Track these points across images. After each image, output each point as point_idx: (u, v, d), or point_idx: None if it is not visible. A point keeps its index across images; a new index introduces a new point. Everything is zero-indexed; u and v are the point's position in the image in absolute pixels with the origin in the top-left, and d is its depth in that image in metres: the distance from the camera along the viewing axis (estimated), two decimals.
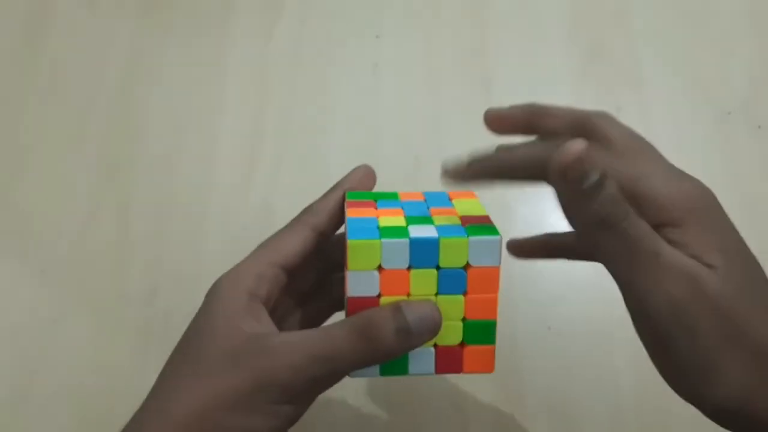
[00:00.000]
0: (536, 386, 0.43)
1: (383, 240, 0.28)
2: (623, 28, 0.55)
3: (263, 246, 0.31)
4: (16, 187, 0.50)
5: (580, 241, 0.31)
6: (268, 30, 0.56)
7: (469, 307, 0.29)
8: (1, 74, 0.54)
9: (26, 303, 0.46)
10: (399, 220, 0.30)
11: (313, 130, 0.52)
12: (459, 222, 0.30)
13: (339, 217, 0.32)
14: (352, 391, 0.43)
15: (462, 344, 0.30)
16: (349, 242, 0.28)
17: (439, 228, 0.29)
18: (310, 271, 0.33)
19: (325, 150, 0.51)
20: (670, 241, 0.27)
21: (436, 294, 0.29)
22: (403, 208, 0.31)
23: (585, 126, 0.29)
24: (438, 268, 0.28)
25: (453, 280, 0.29)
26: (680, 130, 0.51)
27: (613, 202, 0.26)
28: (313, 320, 0.34)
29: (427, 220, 0.30)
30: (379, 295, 0.28)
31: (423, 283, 0.28)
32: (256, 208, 0.49)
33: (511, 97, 0.53)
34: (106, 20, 0.56)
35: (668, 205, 0.27)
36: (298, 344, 0.27)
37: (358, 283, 0.28)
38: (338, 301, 0.35)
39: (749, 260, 0.28)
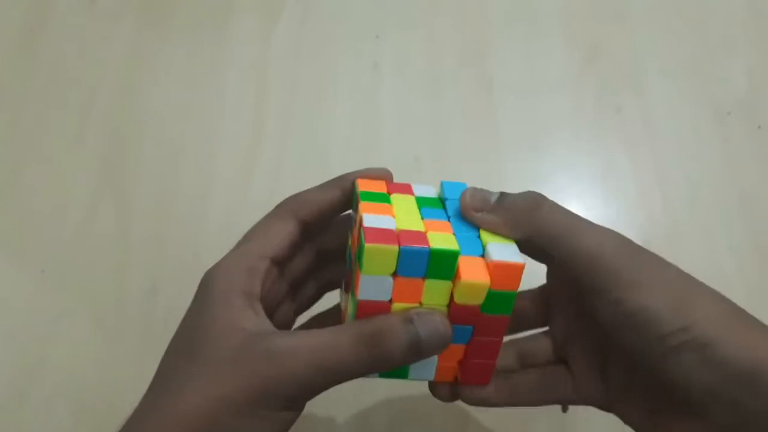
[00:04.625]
0: None
1: (402, 247, 0.26)
2: (623, 28, 0.55)
3: (251, 237, 0.31)
4: (16, 187, 0.50)
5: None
6: (268, 30, 0.56)
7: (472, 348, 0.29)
8: (1, 74, 0.54)
9: (26, 303, 0.46)
10: (417, 222, 0.28)
11: (313, 130, 0.52)
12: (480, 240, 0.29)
13: (329, 214, 0.31)
14: (352, 390, 0.43)
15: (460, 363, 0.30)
16: (366, 246, 0.26)
17: (460, 240, 0.28)
18: (298, 258, 0.33)
19: (325, 150, 0.51)
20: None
21: (448, 305, 0.28)
22: (421, 211, 0.30)
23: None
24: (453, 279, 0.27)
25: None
26: (680, 130, 0.51)
27: (517, 205, 0.29)
28: (306, 305, 0.34)
29: (446, 226, 0.29)
30: (390, 301, 0.27)
31: (436, 293, 0.27)
32: (256, 208, 0.48)
33: (511, 96, 0.53)
34: (106, 20, 0.56)
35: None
36: (303, 353, 0.26)
37: (370, 287, 0.27)
38: (330, 284, 0.35)
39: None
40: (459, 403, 0.42)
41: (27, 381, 0.43)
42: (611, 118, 0.52)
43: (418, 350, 0.27)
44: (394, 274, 0.27)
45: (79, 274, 0.47)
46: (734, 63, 0.54)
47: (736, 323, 0.26)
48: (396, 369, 0.29)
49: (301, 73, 0.54)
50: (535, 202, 0.29)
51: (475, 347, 0.29)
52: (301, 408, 0.28)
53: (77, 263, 0.47)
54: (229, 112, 0.53)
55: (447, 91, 0.53)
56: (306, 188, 0.33)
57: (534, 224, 0.28)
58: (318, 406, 0.42)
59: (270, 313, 0.30)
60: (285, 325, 0.34)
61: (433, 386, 0.32)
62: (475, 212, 0.29)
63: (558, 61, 0.54)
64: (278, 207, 0.32)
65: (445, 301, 0.28)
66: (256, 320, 0.28)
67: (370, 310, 0.27)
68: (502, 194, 0.29)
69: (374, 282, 0.27)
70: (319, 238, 0.33)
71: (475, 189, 0.30)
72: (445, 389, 0.32)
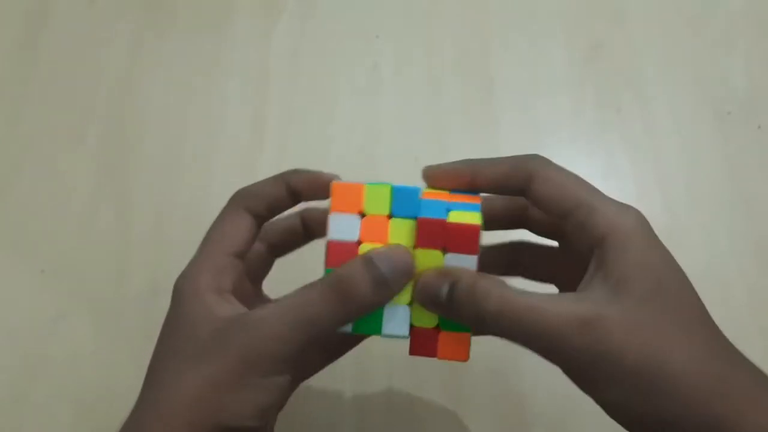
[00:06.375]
0: (536, 386, 0.43)
1: (366, 184, 0.29)
2: (623, 28, 0.55)
3: (212, 237, 0.31)
4: (16, 187, 0.50)
5: None
6: (268, 30, 0.56)
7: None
8: (1, 74, 0.54)
9: (26, 303, 0.46)
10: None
11: (312, 130, 0.52)
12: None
13: (278, 209, 0.32)
14: (352, 389, 0.43)
15: (437, 328, 0.29)
16: (333, 184, 0.29)
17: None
18: (262, 254, 0.34)
19: (324, 151, 0.51)
20: (599, 259, 0.27)
21: (414, 247, 0.29)
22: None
23: (523, 170, 0.29)
24: (416, 219, 0.29)
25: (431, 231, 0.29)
26: (680, 130, 0.51)
27: (468, 300, 0.27)
28: None
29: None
30: (358, 242, 0.29)
31: (401, 233, 0.29)
32: None
33: (511, 96, 0.53)
34: (106, 20, 0.56)
35: (600, 227, 0.28)
36: (277, 314, 0.27)
37: (339, 226, 0.29)
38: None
39: (670, 280, 0.28)
40: (458, 404, 0.43)
41: (27, 381, 0.43)
42: (611, 118, 0.52)
43: (385, 286, 0.28)
44: (361, 214, 0.29)
45: (79, 274, 0.47)
46: (734, 63, 0.54)
47: (703, 396, 0.25)
48: (368, 321, 0.29)
49: (301, 73, 0.54)
50: (480, 307, 0.27)
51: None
52: (290, 371, 0.28)
53: (77, 263, 0.47)
54: (229, 112, 0.53)
55: (447, 92, 0.53)
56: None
57: (484, 329, 0.28)
58: (318, 405, 0.42)
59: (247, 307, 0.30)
60: None
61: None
62: (429, 308, 0.29)
63: (558, 61, 0.54)
64: (230, 203, 0.32)
65: (410, 242, 0.29)
66: (231, 308, 0.29)
67: (339, 251, 0.29)
68: (451, 287, 0.28)
69: (343, 221, 0.29)
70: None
71: (424, 281, 0.28)
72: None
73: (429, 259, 0.29)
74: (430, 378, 0.43)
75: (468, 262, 0.28)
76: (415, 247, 0.29)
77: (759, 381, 0.27)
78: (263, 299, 0.35)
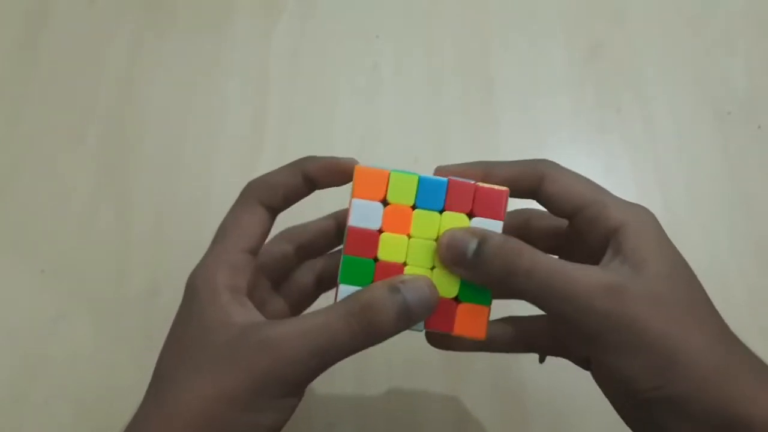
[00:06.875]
0: (536, 385, 0.43)
1: (392, 171, 0.28)
2: (623, 28, 0.55)
3: (225, 233, 0.30)
4: (16, 187, 0.50)
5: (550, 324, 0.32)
6: (268, 30, 0.56)
7: None
8: (1, 74, 0.54)
9: (26, 303, 0.46)
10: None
11: (312, 130, 0.52)
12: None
13: (294, 196, 0.31)
14: (351, 388, 0.43)
15: (457, 299, 0.29)
16: (356, 168, 0.29)
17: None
18: (289, 255, 0.34)
19: (324, 151, 0.51)
20: (613, 248, 0.28)
21: (437, 239, 0.29)
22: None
23: (535, 171, 0.30)
24: (442, 212, 0.29)
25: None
26: (680, 130, 0.51)
27: (499, 250, 0.27)
28: (296, 299, 0.34)
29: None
30: (380, 230, 0.29)
31: (425, 226, 0.29)
32: None
33: (511, 96, 0.53)
34: (106, 20, 0.56)
35: (614, 220, 0.28)
36: (296, 338, 0.26)
37: (362, 213, 0.28)
38: (323, 281, 0.35)
39: (681, 269, 0.28)
40: (458, 403, 0.43)
41: (27, 381, 0.43)
42: (611, 118, 0.52)
43: (408, 317, 0.27)
44: (385, 201, 0.29)
45: (79, 274, 0.47)
46: (734, 63, 0.54)
47: (716, 377, 0.26)
48: None
49: (301, 73, 0.54)
50: (512, 263, 0.27)
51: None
52: (302, 393, 0.28)
53: (77, 263, 0.47)
54: (229, 112, 0.53)
55: (447, 91, 0.53)
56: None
57: (511, 289, 0.28)
58: (318, 405, 0.42)
59: (258, 306, 0.29)
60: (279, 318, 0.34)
61: (428, 333, 0.32)
62: (452, 266, 0.29)
63: (558, 61, 0.54)
64: (243, 195, 0.31)
65: (433, 234, 0.29)
66: (246, 313, 0.28)
67: (360, 237, 0.29)
68: (480, 244, 0.28)
69: (365, 208, 0.28)
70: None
71: (452, 237, 0.28)
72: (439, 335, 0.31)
73: (455, 223, 0.29)
74: (430, 377, 0.43)
75: (493, 227, 0.29)
76: (443, 210, 0.29)
77: (763, 369, 0.28)
78: (276, 300, 0.34)
